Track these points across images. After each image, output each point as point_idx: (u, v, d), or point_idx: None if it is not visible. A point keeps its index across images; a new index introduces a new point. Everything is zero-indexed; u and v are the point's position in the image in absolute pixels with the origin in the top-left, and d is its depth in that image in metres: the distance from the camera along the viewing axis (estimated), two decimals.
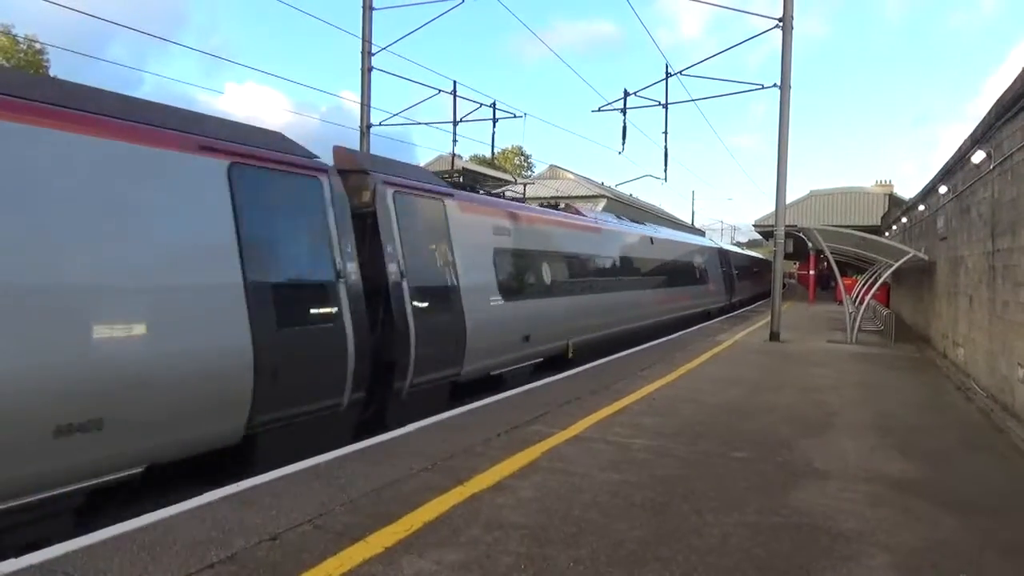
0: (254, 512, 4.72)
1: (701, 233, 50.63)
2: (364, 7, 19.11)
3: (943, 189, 14.34)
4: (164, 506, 4.85)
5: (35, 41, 34.53)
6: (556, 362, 12.57)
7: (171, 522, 4.55)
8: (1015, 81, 8.19)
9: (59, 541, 4.20)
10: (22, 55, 34.78)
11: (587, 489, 5.33)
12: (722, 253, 31.50)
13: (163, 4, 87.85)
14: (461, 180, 11.47)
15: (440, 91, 20.19)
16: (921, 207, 18.36)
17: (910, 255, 16.53)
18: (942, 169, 14.36)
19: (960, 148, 11.97)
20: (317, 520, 4.60)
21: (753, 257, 48.52)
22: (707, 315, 25.73)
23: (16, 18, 48.33)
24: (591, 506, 4.97)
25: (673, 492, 5.32)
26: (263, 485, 5.31)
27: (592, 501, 5.07)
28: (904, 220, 23.15)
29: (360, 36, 19.16)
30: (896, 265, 17.44)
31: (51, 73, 31.40)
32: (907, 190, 39.46)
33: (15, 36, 34.53)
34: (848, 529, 4.64)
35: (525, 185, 15.61)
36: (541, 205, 15.02)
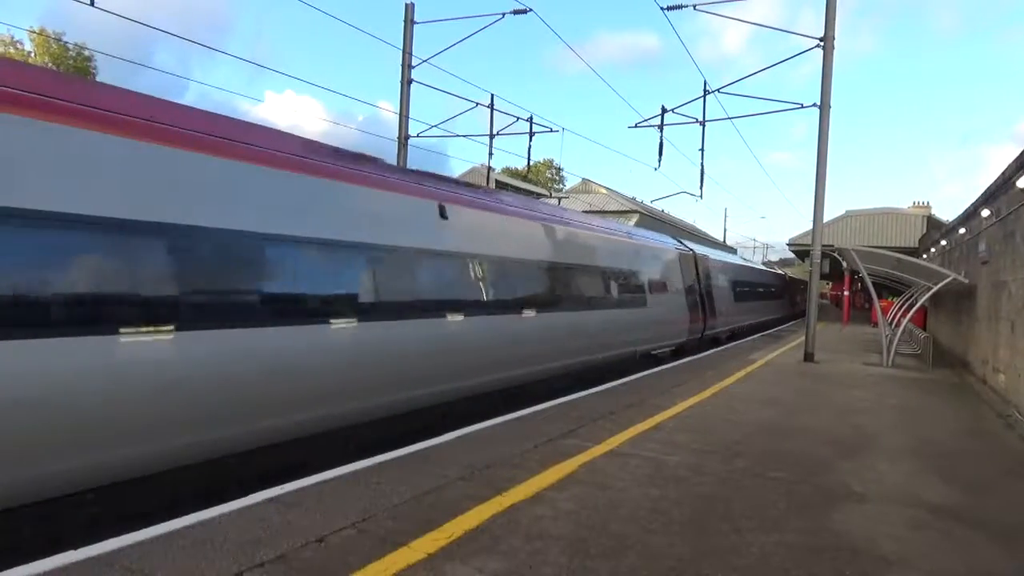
0: (299, 515, 4.83)
1: (732, 250, 49.49)
2: (406, 21, 19.44)
3: (986, 212, 14.10)
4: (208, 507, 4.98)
5: (84, 48, 35.72)
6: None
7: (219, 521, 4.67)
8: None
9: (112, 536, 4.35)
10: (71, 61, 35.95)
11: (625, 503, 5.36)
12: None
13: (210, 11, 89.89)
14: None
15: (478, 104, 20.45)
16: (962, 230, 18.05)
17: (950, 278, 16.24)
18: (985, 192, 14.13)
19: (1005, 172, 11.79)
20: (360, 524, 4.70)
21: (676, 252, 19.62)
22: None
23: (66, 25, 49.88)
24: (630, 521, 4.99)
25: (711, 510, 5.32)
26: (305, 489, 5.43)
27: (631, 516, 5.09)
28: (943, 243, 22.75)
29: (401, 48, 19.49)
30: (935, 288, 17.14)
31: (98, 79, 32.27)
32: (949, 212, 38.79)
33: (65, 43, 35.82)
34: (890, 553, 4.61)
35: (560, 199, 15.70)
36: None
